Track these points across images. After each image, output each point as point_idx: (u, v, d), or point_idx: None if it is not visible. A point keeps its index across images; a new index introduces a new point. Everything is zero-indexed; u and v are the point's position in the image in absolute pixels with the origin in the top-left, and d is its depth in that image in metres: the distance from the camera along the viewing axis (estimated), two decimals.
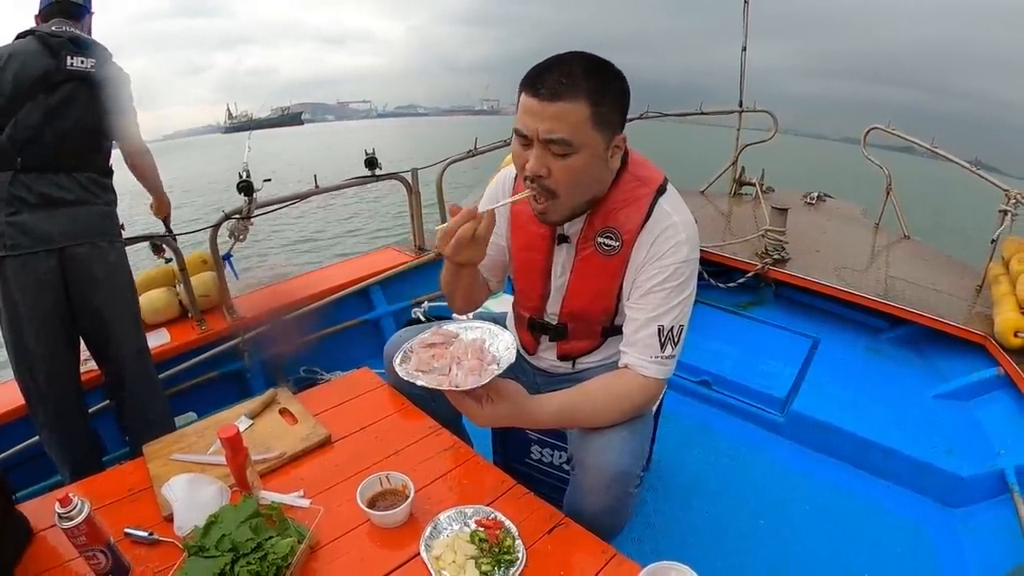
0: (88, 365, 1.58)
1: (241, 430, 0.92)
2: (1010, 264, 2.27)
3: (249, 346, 1.97)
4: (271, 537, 0.82)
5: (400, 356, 0.93)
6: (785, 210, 2.61)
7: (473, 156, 2.67)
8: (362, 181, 2.34)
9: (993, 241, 2.38)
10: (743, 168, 3.78)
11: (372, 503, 0.94)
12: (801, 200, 3.80)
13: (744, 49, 3.49)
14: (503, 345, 0.93)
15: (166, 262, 1.96)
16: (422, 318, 2.08)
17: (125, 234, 1.58)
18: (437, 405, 1.14)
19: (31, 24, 1.46)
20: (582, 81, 0.83)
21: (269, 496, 0.95)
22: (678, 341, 0.96)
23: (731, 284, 2.57)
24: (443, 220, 2.72)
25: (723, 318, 2.55)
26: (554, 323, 1.12)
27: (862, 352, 2.30)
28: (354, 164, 2.44)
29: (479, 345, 0.92)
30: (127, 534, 0.89)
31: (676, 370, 2.24)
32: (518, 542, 0.87)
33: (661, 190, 0.97)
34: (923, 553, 1.47)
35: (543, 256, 1.05)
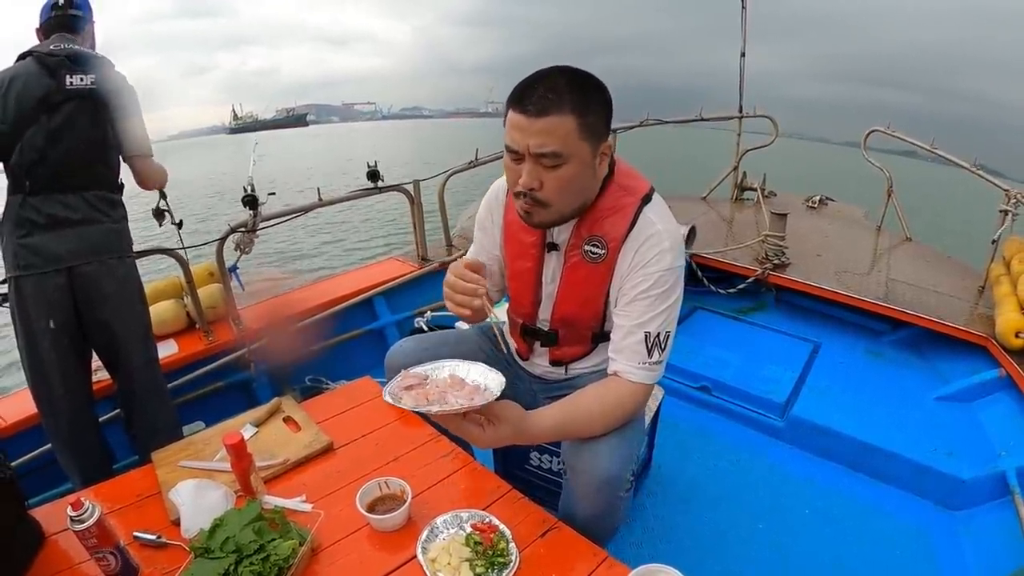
0: (99, 375, 1.62)
1: (246, 438, 0.96)
2: (1011, 265, 2.27)
3: (255, 356, 2.01)
4: (274, 539, 0.85)
5: (391, 401, 0.90)
6: (785, 215, 2.62)
7: (474, 167, 2.71)
8: (365, 193, 2.38)
9: (994, 242, 2.38)
10: (744, 173, 3.79)
11: (371, 507, 0.97)
12: (803, 204, 3.81)
13: (743, 55, 3.52)
14: (477, 372, 0.94)
15: (177, 226, 1.86)
16: (425, 328, 2.12)
17: (137, 246, 1.60)
18: None
19: (35, 34, 1.47)
20: (566, 95, 0.86)
21: (272, 500, 0.98)
22: (665, 347, 0.98)
23: (732, 290, 2.58)
24: (445, 231, 2.76)
25: (724, 324, 2.56)
26: (546, 329, 1.15)
27: (863, 355, 2.30)
28: (358, 167, 2.47)
29: (458, 379, 0.92)
30: (136, 537, 0.93)
31: (676, 376, 2.24)
32: (512, 545, 0.90)
33: (646, 199, 1.00)
34: (924, 556, 1.47)
35: (533, 264, 1.08)
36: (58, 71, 1.38)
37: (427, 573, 0.86)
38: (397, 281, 2.45)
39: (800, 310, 2.62)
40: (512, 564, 0.87)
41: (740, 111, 3.57)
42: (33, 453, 1.60)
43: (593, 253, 1.01)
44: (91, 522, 0.81)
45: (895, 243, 3.07)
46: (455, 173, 2.65)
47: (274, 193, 1.97)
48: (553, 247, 1.06)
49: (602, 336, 1.11)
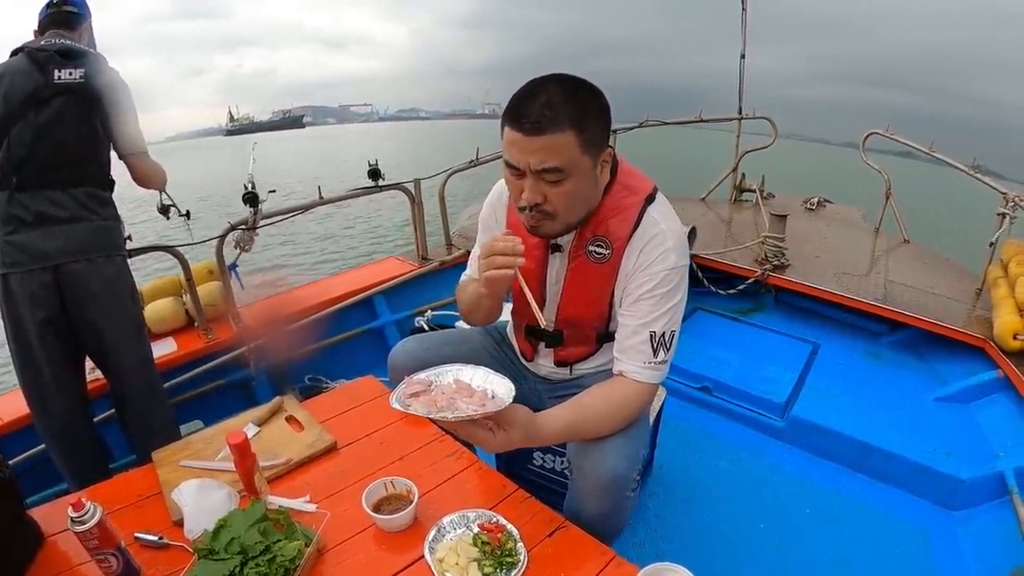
0: (95, 374, 1.60)
1: (248, 437, 0.94)
2: (1009, 267, 2.29)
3: (254, 355, 1.99)
4: (279, 540, 0.84)
5: (401, 408, 0.90)
6: (784, 216, 2.63)
7: (475, 166, 2.70)
8: (366, 192, 2.37)
9: (992, 244, 2.40)
10: (743, 175, 3.80)
11: (377, 507, 0.96)
12: (801, 205, 3.83)
13: (743, 56, 3.52)
14: (481, 377, 0.93)
15: (184, 216, 1.85)
16: (425, 327, 2.11)
17: (132, 244, 1.58)
18: None
19: (33, 35, 1.44)
20: (564, 109, 0.84)
21: (277, 501, 0.97)
22: (670, 346, 0.98)
23: (731, 291, 2.59)
24: (445, 231, 2.75)
25: (724, 324, 2.57)
26: (550, 330, 1.14)
27: (862, 356, 2.31)
28: (354, 168, 2.46)
29: (464, 384, 0.91)
30: (137, 538, 0.91)
31: (677, 376, 2.25)
32: (519, 545, 0.89)
33: (650, 199, 1.00)
34: (923, 556, 1.48)
35: (538, 265, 1.08)
36: (47, 65, 1.35)
37: (435, 573, 0.85)
38: (397, 280, 2.44)
39: (799, 311, 2.63)
40: (520, 564, 0.86)
41: (739, 112, 3.58)
42: (27, 453, 1.58)
43: (597, 253, 1.01)
44: (92, 523, 0.79)
45: (893, 245, 3.09)
46: (456, 172, 2.65)
47: (275, 190, 1.96)
48: (557, 248, 1.05)
49: (607, 336, 1.10)
